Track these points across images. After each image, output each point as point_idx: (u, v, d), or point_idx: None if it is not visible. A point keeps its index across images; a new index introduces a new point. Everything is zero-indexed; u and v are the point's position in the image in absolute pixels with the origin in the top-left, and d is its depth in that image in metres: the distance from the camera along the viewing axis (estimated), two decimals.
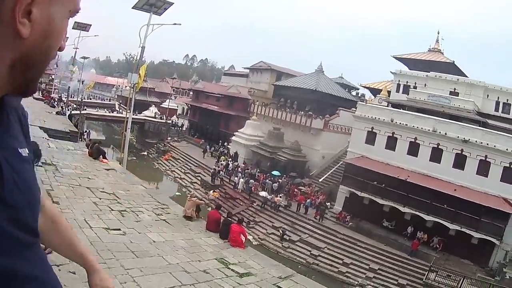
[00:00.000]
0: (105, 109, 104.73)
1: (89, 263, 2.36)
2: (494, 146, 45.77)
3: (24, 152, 1.55)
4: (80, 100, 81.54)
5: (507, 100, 56.12)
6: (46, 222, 2.10)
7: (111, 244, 12.41)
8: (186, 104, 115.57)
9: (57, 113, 47.36)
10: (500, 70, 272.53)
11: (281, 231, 49.39)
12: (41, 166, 18.75)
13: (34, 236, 1.57)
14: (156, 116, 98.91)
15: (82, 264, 2.34)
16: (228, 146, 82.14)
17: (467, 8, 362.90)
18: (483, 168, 46.66)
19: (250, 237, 46.01)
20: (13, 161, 1.42)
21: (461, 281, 40.04)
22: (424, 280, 41.26)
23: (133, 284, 10.32)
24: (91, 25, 65.37)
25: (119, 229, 14.18)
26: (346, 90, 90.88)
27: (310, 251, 46.59)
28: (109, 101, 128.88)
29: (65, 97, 76.46)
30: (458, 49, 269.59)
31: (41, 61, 1.41)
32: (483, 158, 46.63)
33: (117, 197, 18.16)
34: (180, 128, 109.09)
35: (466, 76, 65.24)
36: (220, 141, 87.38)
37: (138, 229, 14.80)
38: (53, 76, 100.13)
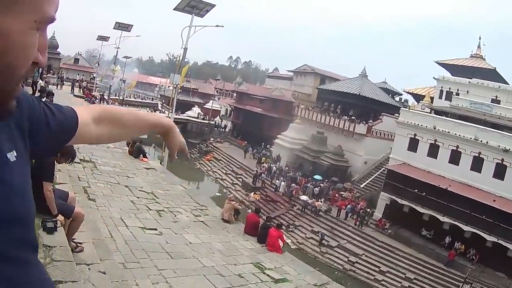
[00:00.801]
0: (148, 108, 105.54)
1: (166, 127, 2.29)
2: None
3: (12, 156, 1.34)
4: (122, 98, 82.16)
5: None
6: (108, 124, 2.01)
7: (146, 244, 12.30)
8: (230, 105, 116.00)
9: None
10: None
11: (320, 236, 49.16)
12: (79, 163, 18.76)
13: (27, 251, 1.39)
14: (199, 116, 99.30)
15: (162, 131, 2.30)
16: (270, 148, 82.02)
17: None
18: None
19: (288, 241, 45.95)
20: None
21: None
22: None
23: (166, 285, 10.20)
24: (132, 25, 65.95)
25: (156, 229, 14.07)
26: (390, 95, 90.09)
27: (348, 257, 46.37)
28: (152, 100, 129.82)
29: (107, 96, 77.01)
30: (499, 51, 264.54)
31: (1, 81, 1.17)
32: None
33: (156, 196, 18.07)
34: (223, 129, 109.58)
35: (507, 83, 64.50)
36: (263, 143, 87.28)
37: (174, 230, 14.67)
38: (94, 75, 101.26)
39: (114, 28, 65.15)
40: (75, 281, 6.11)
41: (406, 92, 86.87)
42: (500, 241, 43.10)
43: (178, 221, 15.83)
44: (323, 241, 48.52)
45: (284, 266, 15.07)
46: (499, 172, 47.06)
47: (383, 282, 42.93)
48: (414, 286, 42.41)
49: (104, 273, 7.60)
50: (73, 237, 7.95)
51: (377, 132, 72.64)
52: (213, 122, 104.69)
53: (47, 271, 1.67)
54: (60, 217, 7.74)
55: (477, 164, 48.77)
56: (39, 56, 1.26)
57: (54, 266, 6.17)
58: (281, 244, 17.37)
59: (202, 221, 16.99)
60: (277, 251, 16.66)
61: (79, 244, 8.00)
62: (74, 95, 56.49)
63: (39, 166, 7.79)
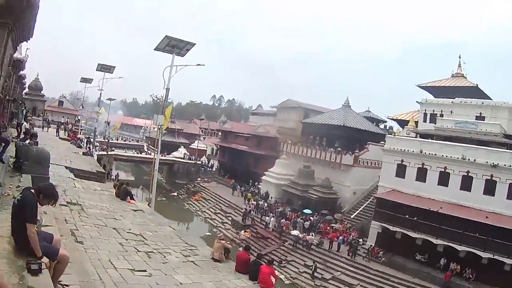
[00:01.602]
0: (134, 150, 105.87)
1: None
2: None
3: None
4: (107, 141, 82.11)
5: None
6: None
7: (135, 286, 12.07)
8: (215, 144, 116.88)
9: (84, 153, 47.45)
10: None
11: (312, 267, 49.03)
12: (66, 206, 18.57)
13: None
14: (185, 157, 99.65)
15: None
16: (258, 185, 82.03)
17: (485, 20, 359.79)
18: None
19: (282, 276, 45.80)
20: None
21: None
22: None
23: None
24: (115, 67, 65.76)
25: (145, 271, 13.80)
26: (374, 123, 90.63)
27: None
28: (138, 142, 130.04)
29: (92, 138, 77.06)
30: (480, 65, 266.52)
31: None
32: None
33: (144, 238, 17.84)
34: (210, 169, 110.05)
35: (490, 99, 65.52)
36: (251, 181, 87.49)
37: (164, 271, 14.41)
38: (79, 117, 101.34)
39: (96, 70, 65.16)
40: None
41: (390, 118, 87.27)
42: (495, 257, 43.23)
43: (167, 262, 15.58)
44: (316, 274, 48.32)
45: None
46: (489, 188, 47.54)
47: None
48: None
49: None
50: (59, 280, 7.79)
51: (363, 161, 72.88)
52: (200, 162, 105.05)
53: None
54: (45, 259, 7.53)
55: (466, 183, 49.20)
56: None
57: None
58: (273, 280, 17.14)
59: (192, 261, 16.71)
60: (269, 287, 16.46)
61: (65, 287, 7.84)
62: (60, 138, 56.36)
63: (21, 208, 7.66)
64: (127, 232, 17.87)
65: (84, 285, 8.94)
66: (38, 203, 8.14)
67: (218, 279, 15.52)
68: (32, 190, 8.25)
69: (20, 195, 8.20)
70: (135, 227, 19.32)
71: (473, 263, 45.16)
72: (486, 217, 44.48)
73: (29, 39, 16.67)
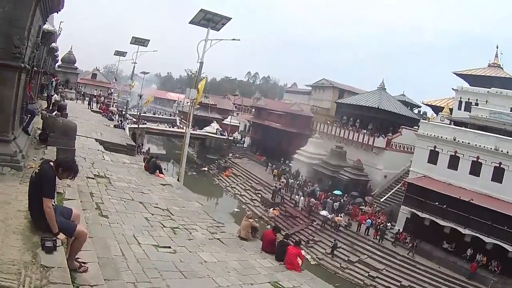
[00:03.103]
0: (166, 124, 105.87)
1: None
2: None
3: None
4: (139, 114, 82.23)
5: None
6: None
7: (158, 263, 11.89)
8: (248, 121, 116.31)
9: (115, 126, 47.47)
10: None
11: (332, 245, 49.45)
12: (93, 179, 18.43)
13: None
14: (218, 132, 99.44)
15: None
16: (290, 163, 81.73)
17: None
18: None
19: (308, 257, 45.61)
20: None
21: None
22: None
23: None
24: (149, 40, 65.48)
25: (169, 247, 13.64)
26: (408, 107, 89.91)
27: (368, 272, 46.06)
28: (171, 116, 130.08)
29: (124, 111, 77.01)
30: None
31: None
32: None
33: (171, 213, 17.68)
34: (242, 145, 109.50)
35: None
36: (282, 159, 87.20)
37: (189, 248, 14.23)
38: (112, 90, 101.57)
39: (131, 43, 64.93)
40: None
41: (425, 104, 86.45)
42: None
43: (193, 239, 15.37)
44: (342, 256, 48.19)
45: (303, 285, 14.53)
46: None
47: None
48: None
49: None
50: (77, 257, 7.54)
51: (396, 145, 72.30)
52: (232, 138, 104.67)
53: None
54: (62, 236, 7.34)
55: (498, 175, 48.36)
56: None
57: None
58: (299, 262, 16.86)
59: (218, 239, 16.50)
60: (295, 269, 16.11)
61: (83, 264, 7.59)
62: (92, 110, 56.46)
63: (39, 181, 7.42)
64: (154, 207, 17.72)
65: (103, 262, 8.75)
66: (56, 177, 7.90)
67: (243, 258, 15.30)
68: (51, 163, 8.05)
69: (38, 168, 8.01)
70: (162, 201, 19.15)
71: (500, 256, 44.54)
72: None
73: (59, 11, 16.37)
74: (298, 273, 15.80)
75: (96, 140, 30.67)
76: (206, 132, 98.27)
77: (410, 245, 48.66)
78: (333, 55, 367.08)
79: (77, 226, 7.67)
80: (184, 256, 13.29)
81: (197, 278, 11.88)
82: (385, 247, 49.99)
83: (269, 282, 13.60)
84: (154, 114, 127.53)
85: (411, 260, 47.13)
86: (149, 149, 64.53)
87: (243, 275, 13.45)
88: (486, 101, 60.38)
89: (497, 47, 77.24)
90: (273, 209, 60.12)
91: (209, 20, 32.28)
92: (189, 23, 32.94)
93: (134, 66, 69.47)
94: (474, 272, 43.85)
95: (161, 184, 23.31)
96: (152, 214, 16.55)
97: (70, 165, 8.17)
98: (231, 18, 32.93)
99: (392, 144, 72.24)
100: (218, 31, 33.40)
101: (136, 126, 69.67)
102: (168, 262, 12.26)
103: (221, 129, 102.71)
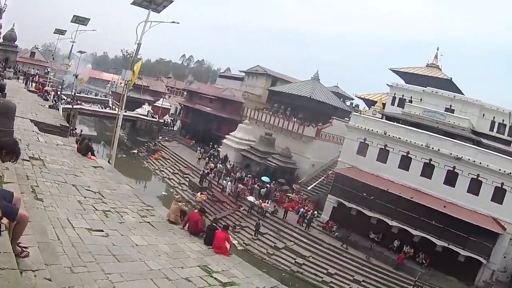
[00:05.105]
0: (99, 105, 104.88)
1: None
2: (487, 165, 46.01)
3: None
4: (73, 94, 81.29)
5: (503, 120, 55.85)
6: None
7: (92, 246, 12.08)
8: (180, 104, 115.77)
9: (50, 106, 46.96)
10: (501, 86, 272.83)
11: (255, 223, 50.46)
12: (28, 161, 18.46)
13: None
14: (149, 114, 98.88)
15: None
16: (218, 148, 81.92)
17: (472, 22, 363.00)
18: (474, 187, 46.91)
19: (235, 242, 45.93)
20: None
21: None
22: None
23: None
24: (89, 19, 64.85)
25: (102, 230, 13.81)
26: (341, 99, 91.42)
27: (295, 259, 46.68)
28: (104, 97, 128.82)
29: (59, 91, 75.96)
30: (459, 65, 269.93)
31: None
32: (475, 177, 46.83)
33: (102, 196, 17.81)
34: (172, 128, 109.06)
35: (463, 94, 65.38)
36: (211, 143, 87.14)
37: (121, 231, 14.43)
38: (48, 69, 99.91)
39: (71, 22, 64.19)
40: None
41: (358, 97, 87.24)
42: (451, 246, 44.36)
43: (124, 222, 15.58)
44: (268, 242, 48.82)
45: (232, 269, 14.92)
46: (450, 179, 48.36)
47: (331, 284, 43.31)
48: None
49: (50, 280, 7.38)
50: (18, 242, 7.67)
51: (326, 135, 73.39)
52: (163, 121, 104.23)
53: None
54: (4, 220, 7.27)
55: (427, 171, 49.94)
56: None
57: None
58: (228, 246, 17.27)
59: (148, 222, 16.72)
60: (224, 253, 16.47)
61: (24, 249, 7.68)
62: (28, 90, 55.63)
63: None
64: (86, 190, 17.82)
65: (43, 247, 8.87)
66: None
67: (173, 242, 15.58)
68: None
69: None
70: (94, 184, 19.27)
71: (428, 249, 46.37)
72: (444, 206, 45.39)
73: None
74: (226, 257, 16.17)
75: (31, 121, 30.39)
76: (138, 114, 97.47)
77: (346, 238, 49.46)
78: (269, 44, 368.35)
79: (19, 210, 7.64)
80: (117, 239, 13.52)
81: (129, 262, 12.12)
82: (312, 234, 50.83)
83: (199, 266, 13.92)
84: (87, 94, 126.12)
85: (338, 248, 48.19)
86: (81, 131, 63.98)
87: (174, 258, 13.75)
88: (421, 99, 61.42)
89: (437, 49, 78.93)
90: (200, 194, 60.21)
91: (151, 1, 32.31)
92: (132, 3, 32.92)
93: (72, 45, 68.76)
94: (401, 263, 45.29)
95: (93, 166, 23.32)
96: (85, 197, 16.66)
97: (13, 147, 8.20)
98: (173, 1, 33.05)
99: (322, 134, 73.26)
100: (158, 13, 33.46)
101: (70, 106, 68.76)
102: (102, 246, 12.46)
103: (152, 112, 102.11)
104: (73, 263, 10.36)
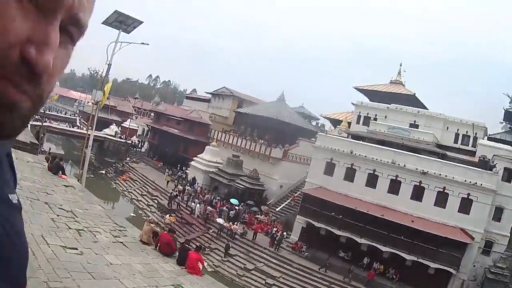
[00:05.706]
0: (67, 123, 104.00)
1: None
2: (453, 177, 47.03)
3: (14, 198, 1.20)
4: (43, 112, 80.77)
5: (467, 132, 57.36)
6: None
7: (67, 263, 12.03)
8: (147, 125, 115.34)
9: None
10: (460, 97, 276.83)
11: (225, 245, 50.42)
12: None
13: None
14: (116, 135, 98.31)
15: None
16: (186, 170, 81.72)
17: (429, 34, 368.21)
18: (441, 199, 47.91)
19: (205, 264, 45.83)
20: (2, 209, 1.12)
21: None
22: None
23: None
24: None
25: (76, 248, 13.77)
26: (307, 120, 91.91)
27: (265, 279, 46.70)
28: (72, 115, 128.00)
29: None
30: (420, 76, 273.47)
31: None
32: (441, 190, 47.79)
33: (75, 215, 17.71)
34: (140, 149, 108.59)
35: (427, 108, 66.76)
36: (179, 165, 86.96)
37: (95, 250, 14.39)
38: None
39: None
40: None
41: (324, 117, 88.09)
42: (419, 260, 44.82)
43: (98, 241, 15.56)
44: (238, 263, 48.75)
45: None
46: (417, 193, 49.20)
47: None
48: None
49: None
50: None
51: (293, 156, 73.58)
52: (130, 142, 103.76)
53: None
54: None
55: (394, 187, 50.66)
56: (29, 48, 0.86)
57: None
58: (200, 266, 17.33)
59: (121, 242, 16.71)
60: (197, 273, 16.59)
61: None
62: None
63: None
64: (59, 208, 17.73)
65: None
66: None
67: (146, 262, 15.67)
68: None
69: None
70: (66, 203, 19.17)
71: (397, 264, 46.75)
72: (412, 221, 45.99)
73: None
74: (199, 277, 16.32)
75: None
76: (105, 134, 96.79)
77: (325, 261, 49.40)
78: (235, 66, 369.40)
79: None
80: (91, 258, 13.50)
81: (105, 279, 12.16)
82: (281, 255, 50.86)
83: (172, 285, 14.02)
84: (58, 112, 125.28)
85: (308, 268, 48.26)
86: (50, 149, 63.39)
87: (148, 277, 13.84)
88: (385, 117, 62.07)
89: (400, 65, 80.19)
90: (169, 216, 59.97)
91: (122, 22, 32.39)
92: (102, 23, 32.87)
93: None
94: (372, 279, 45.54)
95: (64, 185, 23.24)
96: (58, 215, 16.58)
97: None
98: (142, 22, 33.20)
99: (289, 155, 73.48)
100: (128, 33, 33.54)
101: (40, 124, 68.18)
102: (77, 263, 12.43)
103: (119, 132, 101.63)
104: (49, 278, 10.35)
